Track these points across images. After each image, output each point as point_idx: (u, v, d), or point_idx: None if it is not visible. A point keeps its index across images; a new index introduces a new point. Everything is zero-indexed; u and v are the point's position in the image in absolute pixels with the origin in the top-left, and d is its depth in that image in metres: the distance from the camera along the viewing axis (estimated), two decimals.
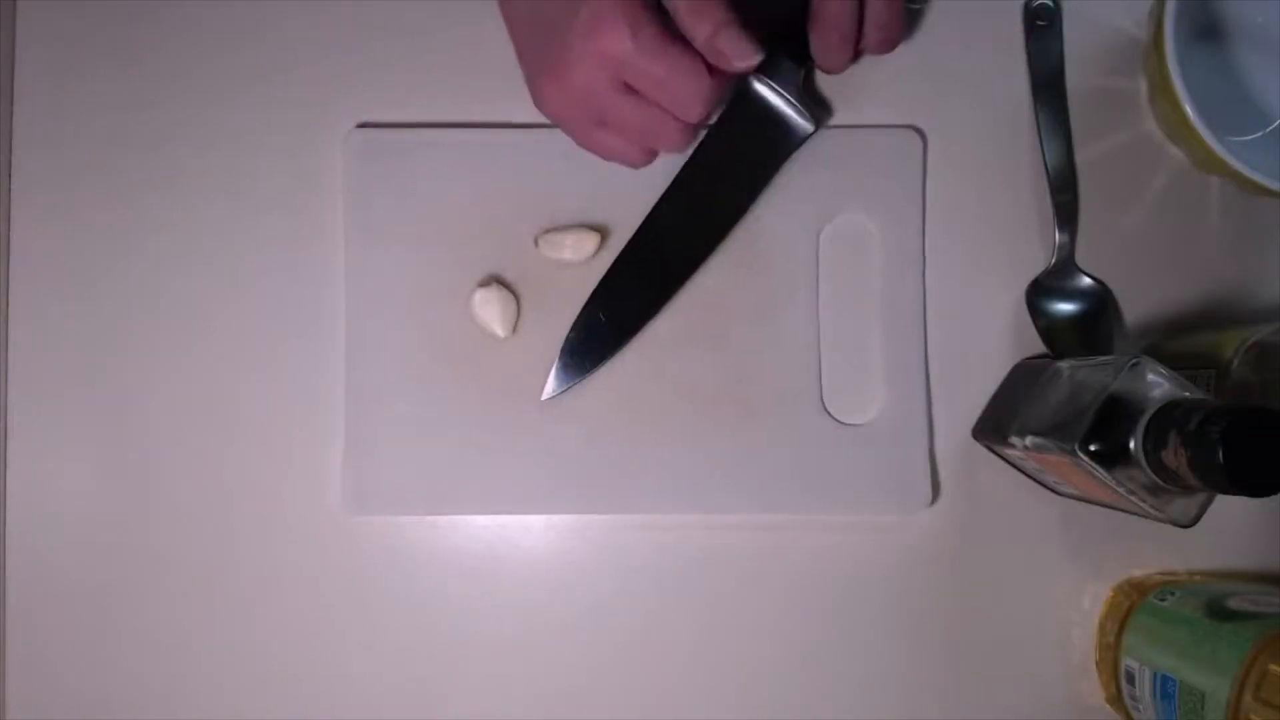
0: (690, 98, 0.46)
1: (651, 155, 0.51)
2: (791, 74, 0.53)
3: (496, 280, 0.54)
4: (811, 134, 0.54)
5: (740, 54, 0.46)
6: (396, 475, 0.53)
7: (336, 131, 0.55)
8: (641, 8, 0.44)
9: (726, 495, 0.54)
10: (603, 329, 0.53)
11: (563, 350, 0.53)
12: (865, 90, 0.56)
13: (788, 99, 0.53)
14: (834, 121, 0.56)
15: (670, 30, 0.45)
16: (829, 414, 0.55)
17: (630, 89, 0.46)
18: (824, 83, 0.56)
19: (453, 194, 0.54)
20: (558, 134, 0.53)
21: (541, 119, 0.51)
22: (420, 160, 0.54)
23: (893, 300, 0.55)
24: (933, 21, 0.56)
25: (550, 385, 0.53)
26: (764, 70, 0.52)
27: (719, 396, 0.54)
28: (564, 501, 0.54)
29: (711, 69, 0.46)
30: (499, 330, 0.54)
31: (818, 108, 0.55)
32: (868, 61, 0.54)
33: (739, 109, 0.53)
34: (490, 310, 0.53)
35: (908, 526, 0.55)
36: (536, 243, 0.54)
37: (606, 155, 0.51)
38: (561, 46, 0.45)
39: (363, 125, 0.55)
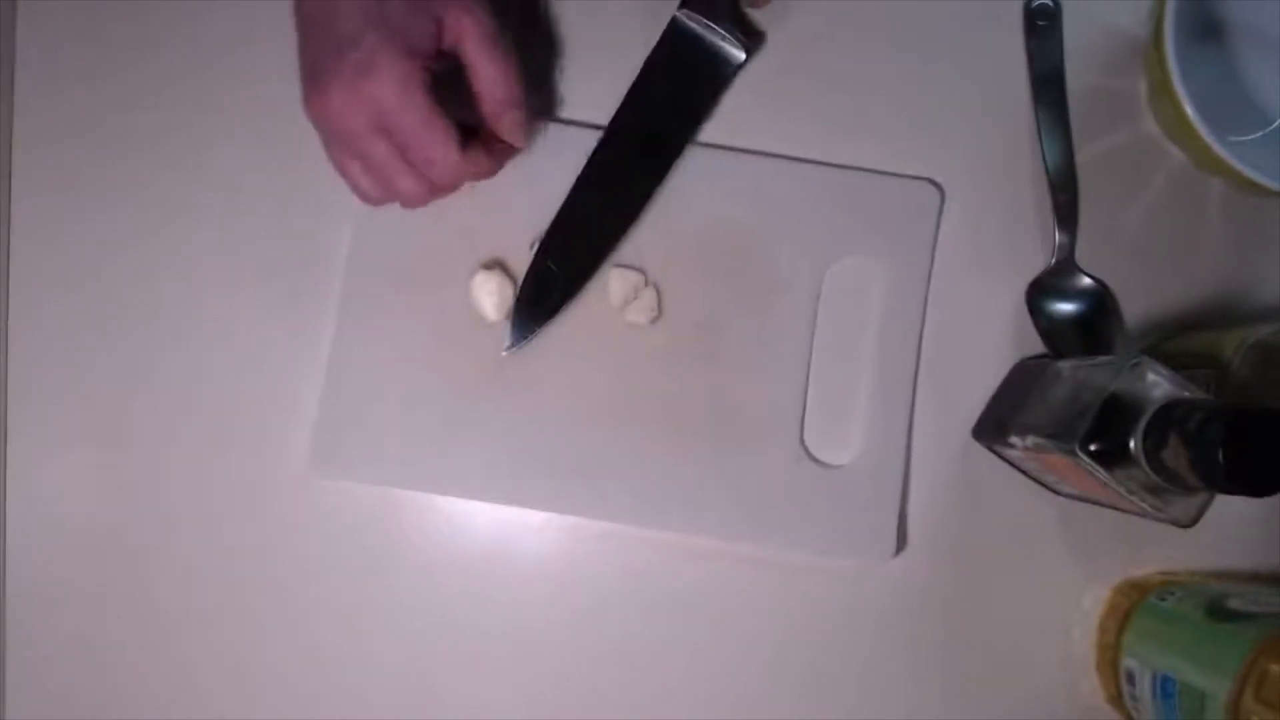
0: (438, 163, 0.46)
1: (389, 197, 0.49)
2: (720, 5, 0.54)
3: (500, 265, 0.54)
4: (744, 63, 0.55)
5: (517, 135, 0.49)
6: (367, 443, 0.53)
7: None
8: (417, 68, 0.45)
9: (693, 515, 0.54)
10: (553, 278, 0.54)
11: (517, 302, 0.53)
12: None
13: (717, 30, 0.54)
14: (852, 162, 0.55)
15: (437, 93, 0.46)
16: (806, 451, 0.54)
17: (386, 131, 0.46)
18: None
19: None
20: (567, 130, 0.54)
21: (564, 115, 0.52)
22: None
23: (888, 349, 0.55)
24: (937, 31, 0.57)
25: (508, 337, 0.53)
26: (692, 4, 0.54)
27: (701, 415, 0.54)
28: (529, 495, 0.54)
29: (465, 144, 0.47)
30: (491, 314, 0.54)
31: (748, 37, 0.55)
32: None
33: (669, 43, 0.54)
34: (488, 291, 0.53)
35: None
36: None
37: (349, 182, 0.49)
38: (335, 68, 0.44)
39: None
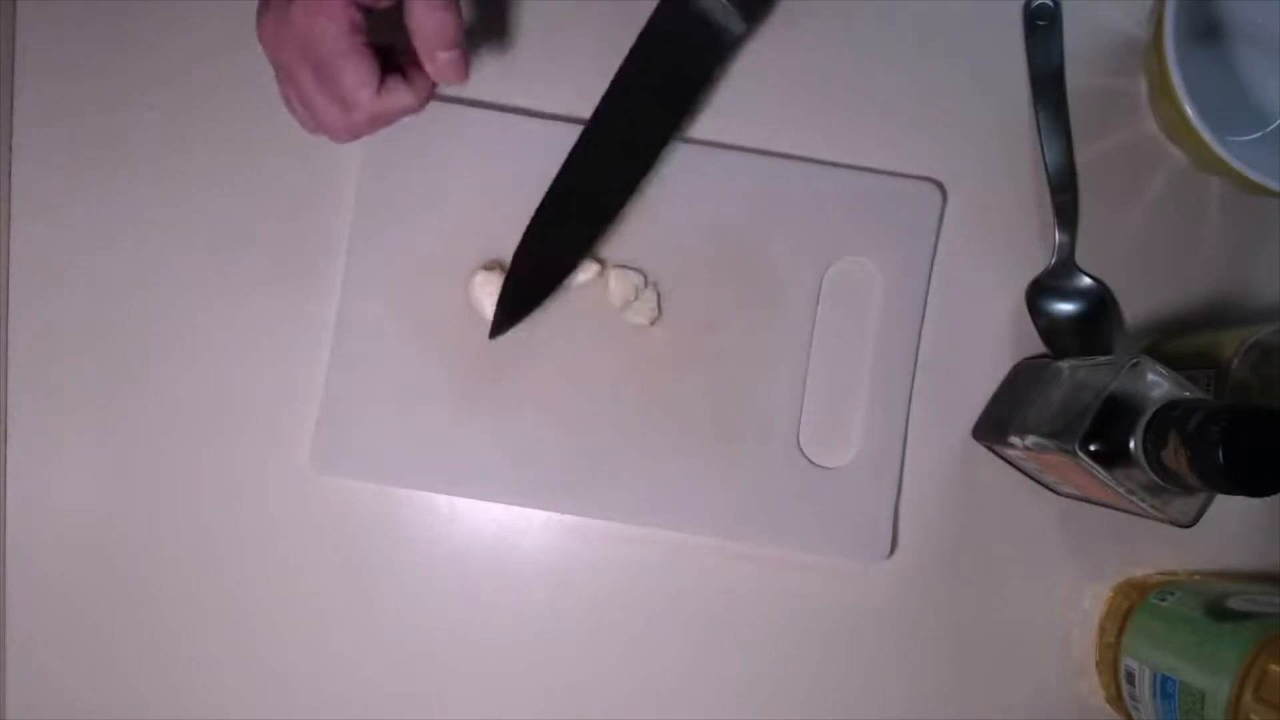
0: (352, 100, 0.46)
1: (319, 130, 0.49)
2: None
3: (499, 265, 0.54)
4: (744, 34, 0.53)
5: (448, 75, 0.46)
6: (368, 441, 0.53)
7: None
8: (342, 3, 0.44)
9: (692, 514, 0.54)
10: (543, 264, 0.53)
11: (504, 288, 0.53)
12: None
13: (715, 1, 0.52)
14: (852, 162, 0.55)
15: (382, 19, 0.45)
16: (802, 452, 0.54)
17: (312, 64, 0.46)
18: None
19: (465, 174, 0.54)
20: (572, 127, 0.53)
21: (567, 113, 0.52)
22: (438, 136, 0.54)
23: (887, 349, 0.55)
24: (936, 39, 0.56)
25: (494, 324, 0.53)
26: None
27: (700, 415, 0.54)
28: (529, 494, 0.54)
29: (404, 75, 0.47)
30: (491, 314, 0.54)
31: (749, 6, 0.54)
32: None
33: (667, 12, 0.53)
34: (488, 291, 0.53)
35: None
36: None
37: (289, 111, 0.49)
38: (270, 1, 0.45)
39: None
